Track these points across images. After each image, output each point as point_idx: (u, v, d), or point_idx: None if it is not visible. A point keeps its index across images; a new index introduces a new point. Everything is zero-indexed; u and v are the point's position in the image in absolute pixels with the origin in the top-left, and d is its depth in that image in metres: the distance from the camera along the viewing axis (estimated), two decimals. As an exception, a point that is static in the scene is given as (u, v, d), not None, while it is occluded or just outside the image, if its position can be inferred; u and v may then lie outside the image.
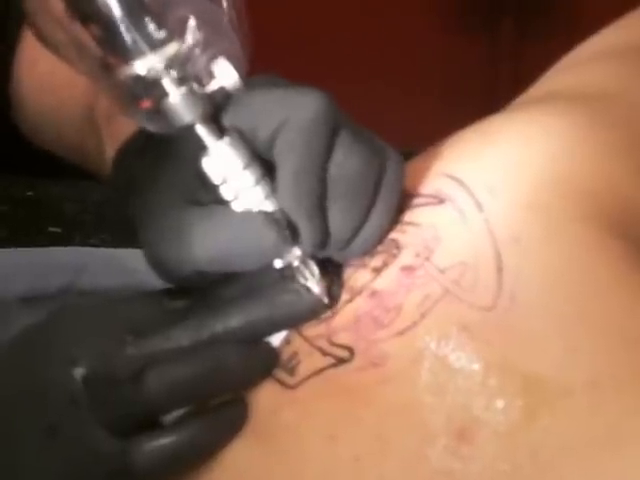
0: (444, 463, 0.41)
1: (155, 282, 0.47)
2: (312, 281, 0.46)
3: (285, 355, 0.46)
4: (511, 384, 0.42)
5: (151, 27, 0.43)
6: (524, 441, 0.41)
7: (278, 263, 0.45)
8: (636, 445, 0.40)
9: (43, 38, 0.44)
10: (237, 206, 0.45)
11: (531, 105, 0.52)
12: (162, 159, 0.47)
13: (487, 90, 1.56)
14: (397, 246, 0.47)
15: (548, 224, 0.45)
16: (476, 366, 0.42)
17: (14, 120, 0.68)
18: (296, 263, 0.46)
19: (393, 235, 0.47)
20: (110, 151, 0.54)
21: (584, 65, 0.55)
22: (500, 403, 0.42)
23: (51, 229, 0.76)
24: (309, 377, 0.45)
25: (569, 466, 0.40)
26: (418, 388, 0.43)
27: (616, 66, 0.54)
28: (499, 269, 0.44)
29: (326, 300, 0.46)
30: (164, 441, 0.44)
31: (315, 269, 0.46)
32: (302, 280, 0.46)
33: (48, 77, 0.65)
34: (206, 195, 0.45)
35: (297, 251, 0.45)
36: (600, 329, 0.43)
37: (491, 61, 1.61)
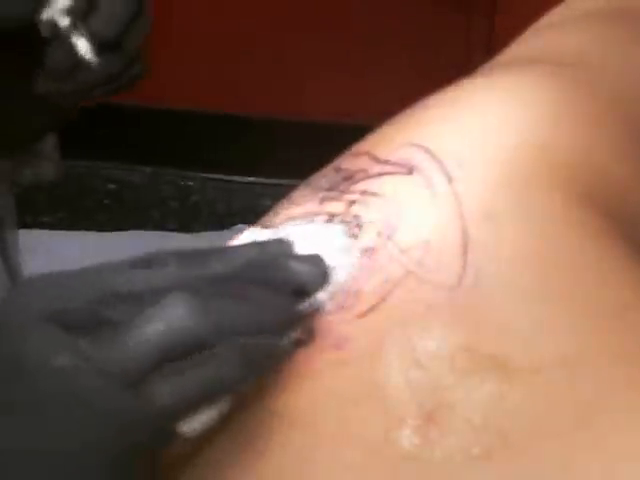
0: (411, 448, 0.40)
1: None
2: None
3: None
4: (479, 365, 0.40)
5: None
6: (493, 423, 0.40)
7: None
8: (608, 422, 0.39)
9: None
10: None
11: (504, 71, 0.50)
12: None
13: (460, 59, 1.55)
14: (358, 224, 0.45)
15: (520, 199, 0.43)
16: (442, 347, 0.41)
17: None
18: None
19: (356, 209, 0.45)
20: None
21: (561, 28, 0.53)
22: (468, 385, 0.40)
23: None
24: None
25: (540, 446, 0.39)
26: (381, 372, 0.41)
27: (596, 30, 0.52)
28: (464, 247, 0.43)
29: None
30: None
31: None
32: None
33: None
34: None
35: None
36: (567, 305, 0.41)
37: (465, 30, 1.60)
